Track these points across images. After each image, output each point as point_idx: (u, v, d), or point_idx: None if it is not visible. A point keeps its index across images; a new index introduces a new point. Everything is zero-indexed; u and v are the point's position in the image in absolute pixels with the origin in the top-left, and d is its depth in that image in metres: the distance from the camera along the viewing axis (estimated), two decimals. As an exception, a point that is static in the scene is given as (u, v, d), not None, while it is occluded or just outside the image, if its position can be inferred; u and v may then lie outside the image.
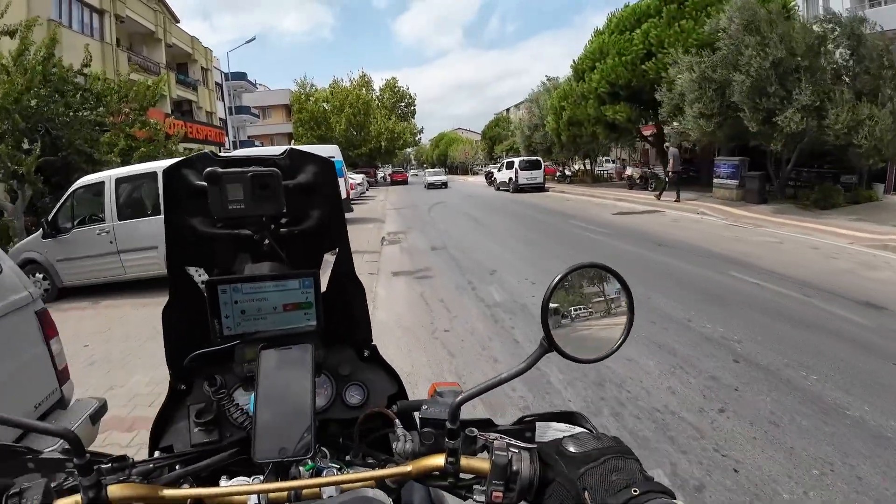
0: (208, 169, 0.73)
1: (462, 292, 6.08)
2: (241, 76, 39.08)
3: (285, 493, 0.59)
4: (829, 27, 10.64)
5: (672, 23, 15.06)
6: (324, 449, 0.71)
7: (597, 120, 19.27)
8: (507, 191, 22.91)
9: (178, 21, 30.95)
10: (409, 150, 46.29)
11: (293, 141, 43.08)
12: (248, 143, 37.71)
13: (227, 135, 37.15)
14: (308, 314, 0.77)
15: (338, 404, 0.86)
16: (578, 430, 0.67)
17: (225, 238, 0.84)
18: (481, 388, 0.61)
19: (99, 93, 10.35)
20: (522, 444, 0.63)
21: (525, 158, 22.68)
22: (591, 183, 25.42)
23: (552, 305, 0.60)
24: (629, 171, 18.86)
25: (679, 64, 13.07)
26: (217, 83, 36.53)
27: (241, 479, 0.68)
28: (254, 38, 26.64)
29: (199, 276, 0.86)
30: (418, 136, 45.98)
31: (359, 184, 22.07)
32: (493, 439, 0.63)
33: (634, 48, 16.22)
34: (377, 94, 45.18)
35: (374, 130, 39.65)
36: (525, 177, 22.04)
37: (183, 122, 21.00)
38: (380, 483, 0.63)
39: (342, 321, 0.89)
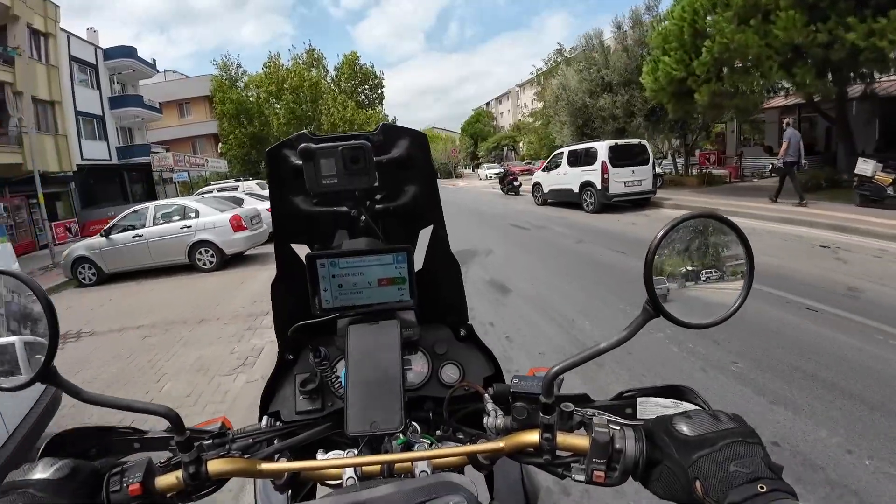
0: (302, 145, 0.74)
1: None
2: (127, 52, 26.87)
3: (378, 466, 0.60)
4: None
5: None
6: (414, 424, 0.72)
7: (794, 53, 8.52)
8: (563, 205, 12.02)
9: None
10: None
11: (220, 144, 31.18)
12: (140, 149, 25.56)
13: (105, 137, 25.12)
14: (402, 290, 0.76)
15: (433, 382, 0.84)
16: (687, 406, 0.61)
17: (324, 215, 0.87)
18: (577, 359, 0.56)
19: None
20: (624, 421, 0.58)
21: (619, 143, 11.59)
22: (700, 186, 14.67)
23: (657, 261, 0.53)
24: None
25: None
26: (85, 62, 24.50)
27: (336, 452, 0.68)
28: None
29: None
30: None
31: (255, 217, 9.53)
32: (592, 415, 0.59)
33: None
34: (332, 75, 33.62)
35: (326, 122, 28.13)
36: (621, 180, 11.09)
37: None
38: (472, 459, 0.62)
39: (437, 299, 0.87)
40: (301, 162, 0.74)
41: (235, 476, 0.60)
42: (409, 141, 0.83)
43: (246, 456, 0.65)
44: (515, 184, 18.89)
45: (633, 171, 11.17)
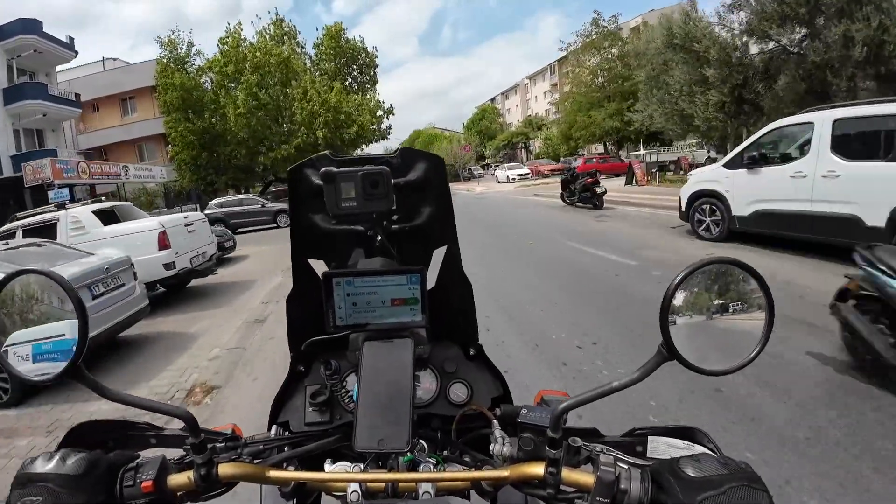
0: (324, 169, 0.76)
1: None
2: (30, 27, 19.73)
3: (383, 483, 0.60)
4: None
5: None
6: (422, 442, 0.72)
7: None
8: (796, 247, 5.09)
9: None
10: (372, 145, 26.01)
11: (169, 146, 24.03)
12: (49, 156, 18.33)
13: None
14: (414, 310, 0.76)
15: (441, 400, 0.84)
16: (698, 448, 0.62)
17: (342, 234, 0.89)
18: (589, 396, 0.57)
19: None
20: (632, 460, 0.59)
21: None
22: None
23: (675, 304, 0.54)
24: None
25: None
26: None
27: (344, 464, 0.70)
28: None
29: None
30: (386, 123, 26.70)
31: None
32: (599, 451, 0.60)
33: None
34: (310, 54, 26.45)
35: (301, 112, 20.95)
36: None
37: None
38: (475, 484, 0.62)
39: (449, 318, 0.89)
40: (322, 182, 0.76)
41: (244, 480, 0.61)
42: (426, 165, 0.85)
43: (256, 462, 0.68)
44: (598, 190, 11.49)
45: None
